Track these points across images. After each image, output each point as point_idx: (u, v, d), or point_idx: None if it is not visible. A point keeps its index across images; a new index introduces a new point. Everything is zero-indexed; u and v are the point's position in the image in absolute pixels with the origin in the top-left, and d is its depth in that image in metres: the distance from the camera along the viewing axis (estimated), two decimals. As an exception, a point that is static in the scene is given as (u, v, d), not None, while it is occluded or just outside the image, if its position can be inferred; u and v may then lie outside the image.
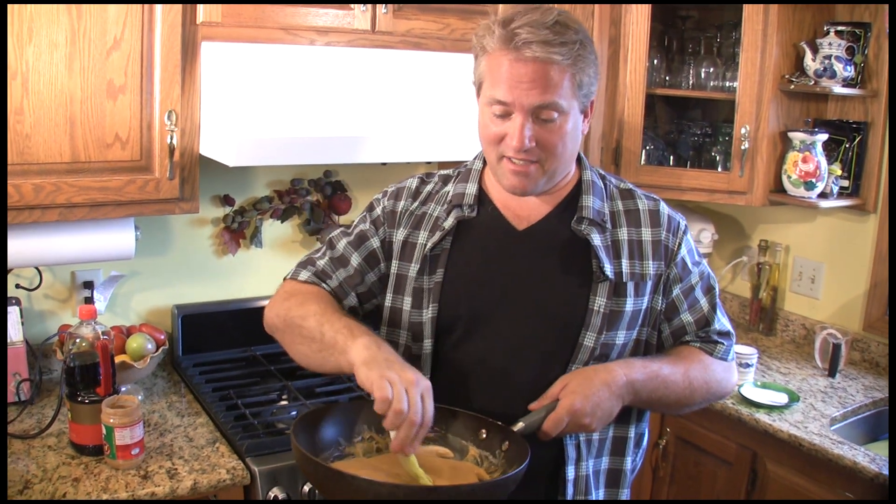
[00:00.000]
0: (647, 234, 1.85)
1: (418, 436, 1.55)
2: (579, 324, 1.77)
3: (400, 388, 1.53)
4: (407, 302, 1.85)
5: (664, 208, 1.90)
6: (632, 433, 1.90)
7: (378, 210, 1.95)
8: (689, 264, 1.89)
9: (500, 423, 1.69)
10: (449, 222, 1.84)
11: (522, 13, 1.69)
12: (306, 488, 2.28)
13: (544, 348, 1.79)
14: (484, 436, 1.71)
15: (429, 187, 1.95)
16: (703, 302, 1.91)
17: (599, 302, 1.77)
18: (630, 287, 1.81)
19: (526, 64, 1.65)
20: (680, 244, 1.88)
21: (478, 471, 1.67)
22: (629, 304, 1.81)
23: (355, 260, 1.91)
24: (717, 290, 1.94)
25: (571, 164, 1.84)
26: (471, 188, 1.87)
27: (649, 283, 1.84)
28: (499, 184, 1.80)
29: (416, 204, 1.92)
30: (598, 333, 1.77)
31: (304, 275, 1.93)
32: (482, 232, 1.85)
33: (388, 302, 1.89)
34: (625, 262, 1.81)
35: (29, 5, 2.14)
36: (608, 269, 1.78)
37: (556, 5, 1.70)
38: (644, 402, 1.81)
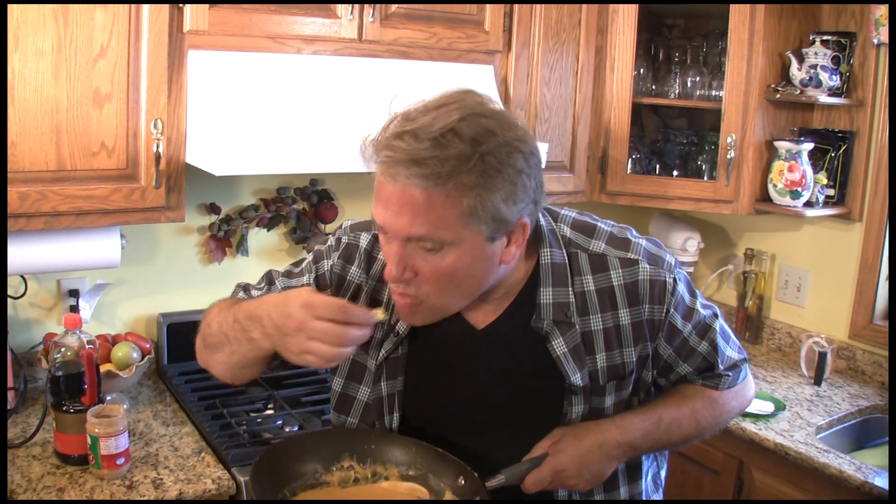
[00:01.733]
0: (625, 316, 1.62)
1: (353, 323, 1.45)
2: (555, 426, 1.63)
3: (307, 345, 1.45)
4: (365, 392, 1.71)
5: (644, 273, 1.62)
6: (643, 487, 1.76)
7: (325, 267, 1.73)
8: (679, 324, 1.66)
9: (477, 474, 1.60)
10: (403, 326, 1.64)
11: (421, 112, 1.40)
12: (292, 498, 2.27)
13: (519, 452, 1.63)
14: (462, 483, 1.63)
15: (382, 255, 1.68)
16: (702, 348, 1.70)
17: (576, 410, 1.62)
18: (610, 386, 1.64)
19: (392, 185, 1.40)
20: (668, 310, 1.64)
21: None
22: (610, 399, 1.65)
23: None
24: (716, 324, 1.72)
25: (479, 290, 1.55)
26: None
27: (633, 366, 1.65)
28: None
29: (368, 281, 1.70)
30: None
31: (239, 294, 1.83)
32: (440, 332, 1.62)
33: (338, 387, 1.74)
34: (601, 357, 1.62)
35: (15, 13, 2.13)
36: (577, 380, 1.60)
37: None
38: (646, 451, 1.70)
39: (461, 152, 1.35)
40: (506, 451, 1.62)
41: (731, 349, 1.75)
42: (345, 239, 1.74)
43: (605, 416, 1.64)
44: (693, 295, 1.70)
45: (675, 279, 1.64)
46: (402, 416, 1.68)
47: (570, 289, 1.60)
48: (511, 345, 1.63)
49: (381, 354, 1.66)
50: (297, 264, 1.81)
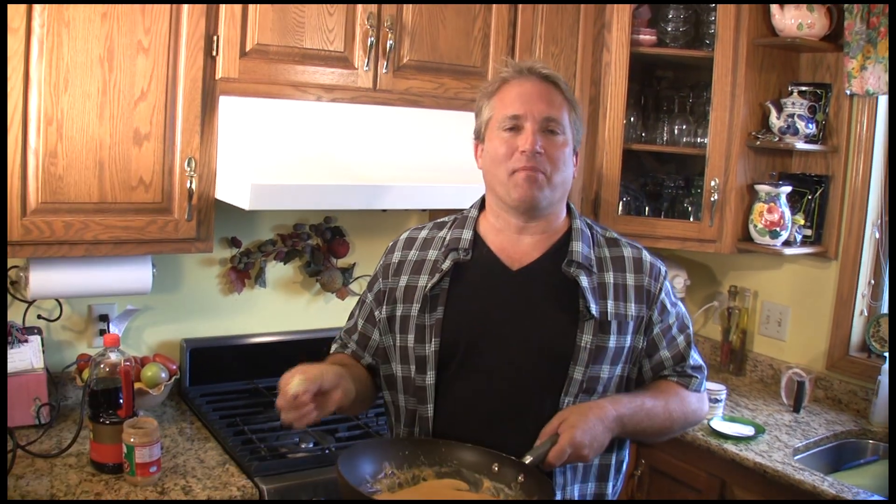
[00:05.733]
0: (631, 279, 2.03)
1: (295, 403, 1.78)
2: (568, 358, 1.94)
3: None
4: (410, 339, 2.01)
5: (647, 256, 2.08)
6: (613, 460, 2.06)
7: (377, 269, 2.16)
8: (668, 306, 2.07)
9: (512, 457, 1.85)
10: (446, 264, 2.00)
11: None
12: (310, 506, 2.46)
13: (537, 380, 1.95)
14: (497, 469, 1.86)
15: (423, 233, 2.14)
16: (680, 340, 2.09)
17: (586, 339, 1.93)
18: (614, 325, 1.97)
19: (535, 83, 1.97)
20: (661, 289, 2.05)
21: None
22: (612, 341, 1.97)
23: (360, 324, 2.15)
24: (691, 329, 2.13)
25: (567, 189, 2.03)
26: (466, 234, 2.05)
27: (631, 324, 2.00)
28: (507, 201, 1.98)
29: (412, 252, 2.10)
30: (585, 367, 1.94)
31: (333, 347, 2.22)
32: (478, 272, 2.01)
33: (397, 342, 2.04)
34: (610, 303, 1.98)
35: (66, 57, 2.36)
36: (594, 309, 1.94)
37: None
38: (630, 433, 1.99)
39: (564, 85, 2.02)
40: (524, 384, 1.95)
41: (697, 355, 2.15)
42: (390, 245, 2.18)
43: (606, 357, 1.97)
44: (676, 297, 2.14)
45: (666, 272, 2.11)
46: (440, 342, 1.97)
47: (592, 249, 2.04)
48: (540, 284, 2.00)
49: (427, 287, 2.00)
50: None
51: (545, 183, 1.95)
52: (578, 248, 2.00)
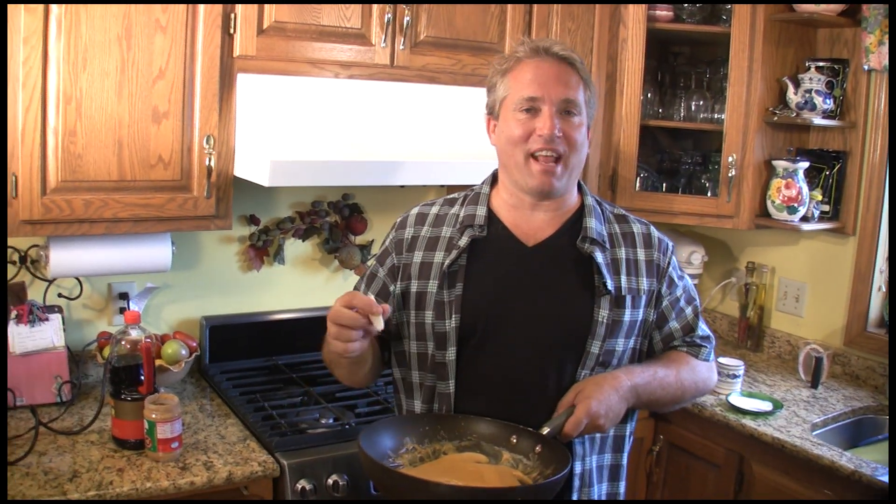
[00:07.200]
0: (641, 254, 2.07)
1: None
2: (585, 333, 1.97)
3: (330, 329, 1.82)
4: (429, 315, 2.02)
5: (654, 231, 2.13)
6: (628, 431, 2.11)
7: (387, 244, 2.15)
8: (676, 279, 2.12)
9: (530, 429, 1.89)
10: (463, 241, 2.01)
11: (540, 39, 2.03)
12: (330, 480, 2.48)
13: (555, 355, 1.98)
14: (515, 441, 1.90)
15: (434, 209, 2.14)
16: (688, 311, 2.14)
17: (603, 313, 1.97)
18: (628, 300, 2.01)
19: (552, 64, 1.96)
20: (669, 263, 2.10)
21: (516, 473, 1.85)
22: (627, 315, 2.01)
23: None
24: (698, 300, 2.18)
25: (581, 169, 2.04)
26: (480, 210, 2.06)
27: (644, 298, 2.05)
28: (523, 186, 1.99)
29: (425, 228, 2.10)
30: (602, 341, 1.97)
31: None
32: (495, 249, 2.04)
33: (413, 318, 2.05)
34: (623, 278, 2.02)
35: (84, 36, 2.36)
36: (610, 284, 1.98)
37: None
38: (644, 403, 2.02)
39: (580, 63, 2.01)
40: (542, 358, 1.98)
41: (705, 325, 2.19)
42: (398, 219, 2.17)
43: (621, 330, 2.01)
44: (682, 271, 2.19)
45: (673, 247, 2.15)
46: (460, 318, 1.98)
47: (604, 225, 2.06)
48: (556, 260, 2.03)
49: (445, 264, 1.98)
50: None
51: (562, 172, 1.97)
52: (592, 224, 2.03)
